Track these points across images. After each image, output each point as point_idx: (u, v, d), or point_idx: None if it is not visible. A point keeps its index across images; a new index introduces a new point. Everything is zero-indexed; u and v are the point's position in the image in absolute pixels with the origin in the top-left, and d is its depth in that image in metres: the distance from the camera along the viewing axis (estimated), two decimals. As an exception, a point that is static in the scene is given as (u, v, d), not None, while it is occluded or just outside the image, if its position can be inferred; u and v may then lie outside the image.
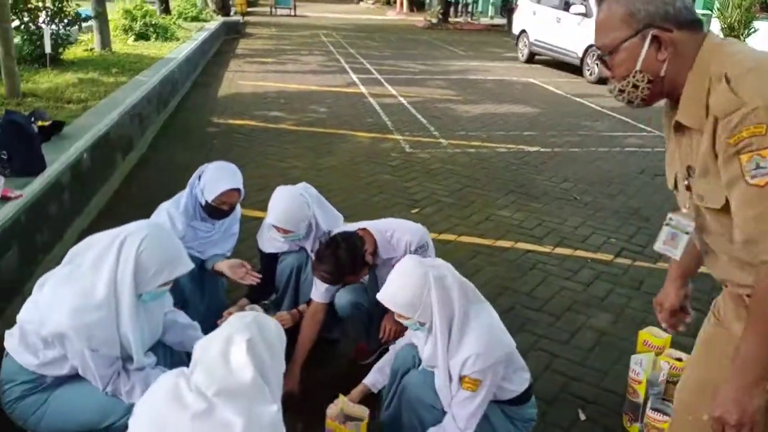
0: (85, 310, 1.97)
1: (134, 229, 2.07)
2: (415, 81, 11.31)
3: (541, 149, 7.08)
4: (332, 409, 2.31)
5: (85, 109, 5.39)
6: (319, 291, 2.87)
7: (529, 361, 3.17)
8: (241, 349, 1.51)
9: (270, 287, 3.17)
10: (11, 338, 2.15)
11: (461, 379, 2.08)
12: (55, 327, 1.98)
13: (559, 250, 4.52)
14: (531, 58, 14.30)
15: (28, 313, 2.10)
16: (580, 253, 4.49)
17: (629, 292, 3.96)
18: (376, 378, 2.54)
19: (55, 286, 2.06)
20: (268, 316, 1.77)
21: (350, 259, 2.61)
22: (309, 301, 3.05)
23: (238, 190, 2.92)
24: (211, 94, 9.39)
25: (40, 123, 4.32)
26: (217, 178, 2.87)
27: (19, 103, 5.33)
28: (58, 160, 3.94)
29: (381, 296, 2.17)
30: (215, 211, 2.92)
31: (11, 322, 2.19)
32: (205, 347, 1.57)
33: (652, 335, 3.01)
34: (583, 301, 3.83)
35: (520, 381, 2.27)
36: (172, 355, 2.38)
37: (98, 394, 2.09)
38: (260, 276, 2.97)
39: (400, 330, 2.67)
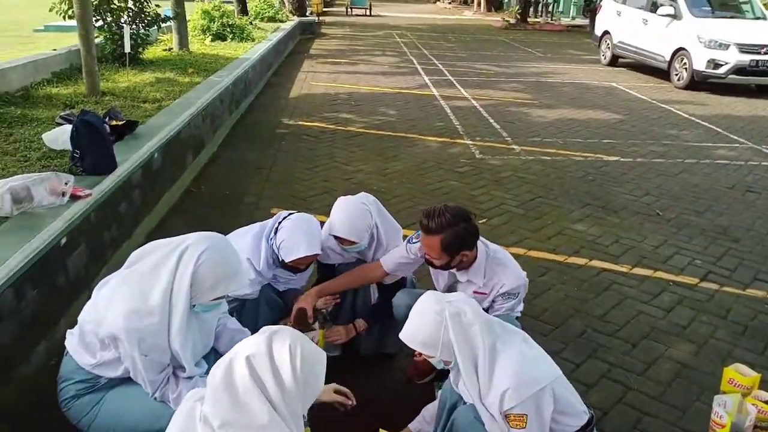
0: (139, 314, 1.97)
1: (197, 240, 2.06)
2: (488, 83, 11.04)
3: (622, 159, 6.70)
4: None
5: (159, 109, 5.50)
6: (392, 258, 2.78)
7: (598, 393, 2.98)
8: (245, 376, 1.48)
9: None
10: (72, 337, 2.19)
11: (506, 417, 1.92)
12: (109, 328, 1.99)
13: (637, 271, 4.21)
14: (614, 61, 13.69)
15: (87, 313, 2.13)
16: (660, 274, 4.17)
17: (714, 320, 3.63)
18: (422, 426, 2.43)
19: (113, 288, 2.08)
20: (303, 335, 1.66)
21: (460, 240, 2.47)
22: (366, 314, 2.95)
23: (316, 255, 2.77)
24: (283, 94, 9.48)
25: (114, 122, 4.43)
26: (295, 242, 2.66)
27: (98, 101, 5.50)
28: (129, 159, 4.00)
29: (402, 335, 2.09)
30: (292, 269, 2.81)
31: (76, 320, 2.20)
32: (213, 371, 1.54)
33: (739, 373, 2.71)
34: (663, 328, 3.54)
35: (575, 416, 2.08)
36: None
37: (148, 399, 2.09)
38: (338, 300, 2.93)
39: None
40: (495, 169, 6.25)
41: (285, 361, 1.54)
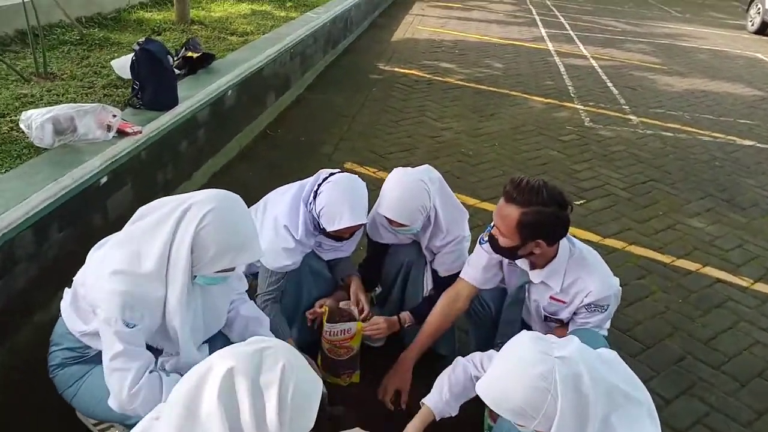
0: (127, 277, 1.65)
1: (203, 198, 1.71)
2: (613, 42, 9.92)
3: (758, 145, 5.71)
4: None
5: (245, 43, 5.19)
6: (475, 269, 2.31)
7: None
8: (213, 395, 1.15)
9: (374, 278, 2.69)
10: (65, 298, 1.93)
11: None
12: (94, 291, 1.70)
13: (760, 287, 3.48)
14: (763, 29, 11.96)
15: (81, 274, 1.85)
16: (791, 296, 3.42)
17: None
18: (446, 405, 2.01)
19: (108, 249, 1.78)
20: (296, 351, 1.30)
21: (544, 225, 1.99)
22: (415, 309, 2.52)
23: (362, 224, 2.37)
24: (385, 37, 8.94)
25: (189, 54, 4.15)
26: (336, 209, 2.24)
27: (184, 29, 5.26)
28: (195, 96, 3.72)
29: (485, 394, 1.53)
30: (335, 237, 2.40)
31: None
32: (177, 387, 1.21)
33: None
34: (785, 368, 2.86)
35: None
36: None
37: None
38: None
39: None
40: (605, 141, 5.50)
41: (273, 385, 1.18)
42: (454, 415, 2.01)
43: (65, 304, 1.91)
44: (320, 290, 2.56)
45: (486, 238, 2.25)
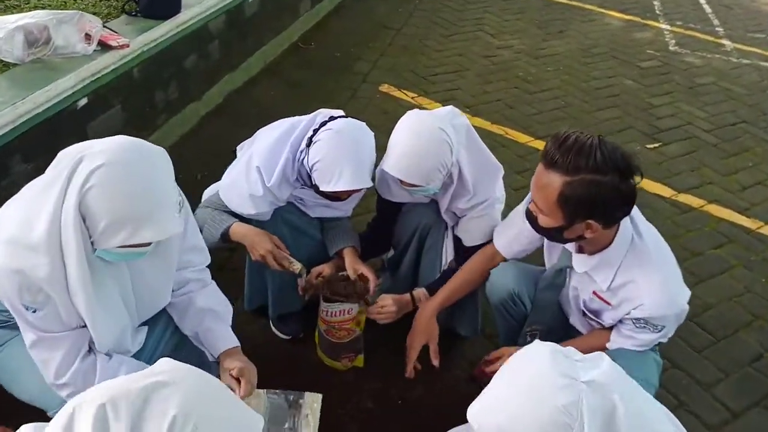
0: (18, 250, 1.28)
1: (98, 149, 1.26)
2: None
3: None
4: None
5: (278, -62, 4.55)
6: (507, 236, 1.90)
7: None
8: None
9: (385, 241, 2.23)
10: None
11: None
12: None
13: None
14: None
15: None
16: None
17: None
18: None
19: (8, 205, 1.37)
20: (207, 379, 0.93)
21: (597, 200, 1.45)
22: (432, 285, 2.06)
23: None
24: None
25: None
26: (334, 167, 1.79)
27: None
28: (203, 2, 3.19)
29: (476, 415, 1.10)
30: (327, 197, 1.94)
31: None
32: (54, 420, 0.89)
33: None
34: None
35: None
36: (175, 340, 1.64)
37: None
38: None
39: None
40: (691, 70, 4.69)
41: None
42: None
43: None
44: (301, 253, 2.04)
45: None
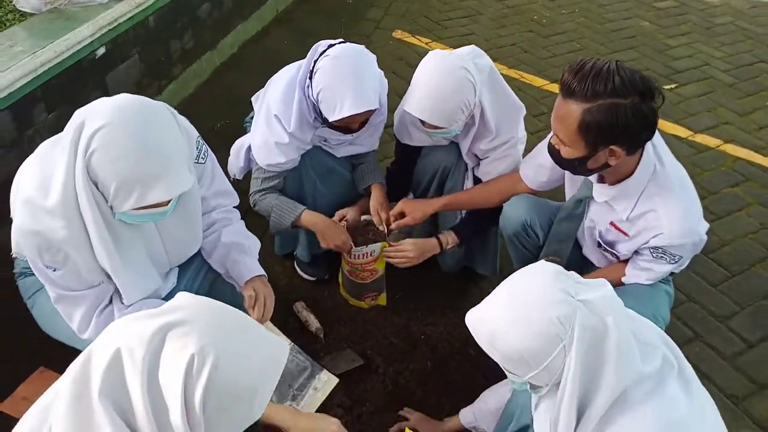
0: (36, 211, 1.28)
1: (96, 111, 1.23)
2: None
3: None
4: None
5: None
6: (531, 164, 1.92)
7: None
8: (94, 393, 0.83)
9: (405, 185, 2.25)
10: None
11: None
12: (12, 214, 1.34)
13: None
14: None
15: None
16: None
17: None
18: (474, 419, 1.67)
19: (31, 158, 1.37)
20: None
21: (618, 123, 1.42)
22: (460, 228, 2.10)
23: (371, 111, 1.84)
24: None
25: None
26: (336, 92, 1.76)
27: None
28: (215, -53, 3.17)
29: (473, 319, 1.18)
30: (340, 129, 1.91)
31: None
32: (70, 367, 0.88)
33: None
34: None
35: None
36: (210, 279, 1.69)
37: None
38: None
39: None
40: (709, 10, 4.59)
41: (174, 387, 0.84)
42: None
43: None
44: (333, 193, 2.12)
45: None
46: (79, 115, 1.28)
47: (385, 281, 2.15)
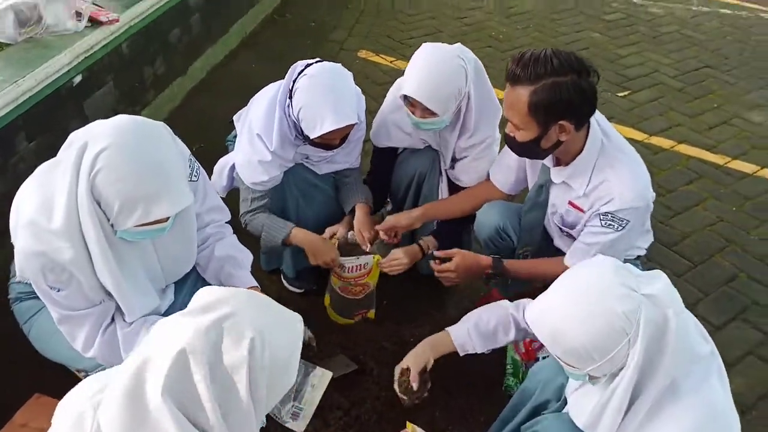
0: (40, 232, 1.32)
1: (98, 132, 1.30)
2: None
3: (834, 22, 5.00)
4: None
5: None
6: (499, 167, 2.05)
7: (739, 377, 2.12)
8: (156, 392, 0.91)
9: (383, 193, 2.35)
10: None
11: None
12: (14, 238, 1.38)
13: (830, 193, 3.07)
14: None
15: None
16: None
17: None
18: (468, 337, 1.69)
19: (29, 181, 1.41)
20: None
21: (562, 99, 1.56)
22: (438, 232, 2.20)
23: (351, 126, 1.91)
24: None
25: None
26: (316, 109, 1.83)
27: None
28: (182, -25, 3.23)
29: (533, 317, 1.26)
30: (322, 145, 1.98)
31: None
32: (121, 367, 0.97)
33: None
34: None
35: None
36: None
37: None
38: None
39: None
40: (655, 21, 4.86)
41: (240, 368, 0.94)
42: (478, 352, 1.72)
43: None
44: (316, 210, 2.19)
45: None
46: (78, 137, 1.34)
47: (375, 296, 2.21)
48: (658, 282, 1.21)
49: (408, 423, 1.57)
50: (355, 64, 3.92)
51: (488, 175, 2.12)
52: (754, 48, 4.50)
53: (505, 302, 1.72)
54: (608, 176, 1.68)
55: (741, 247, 2.70)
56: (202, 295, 1.02)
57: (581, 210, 1.77)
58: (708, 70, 4.16)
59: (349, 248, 2.14)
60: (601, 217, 1.71)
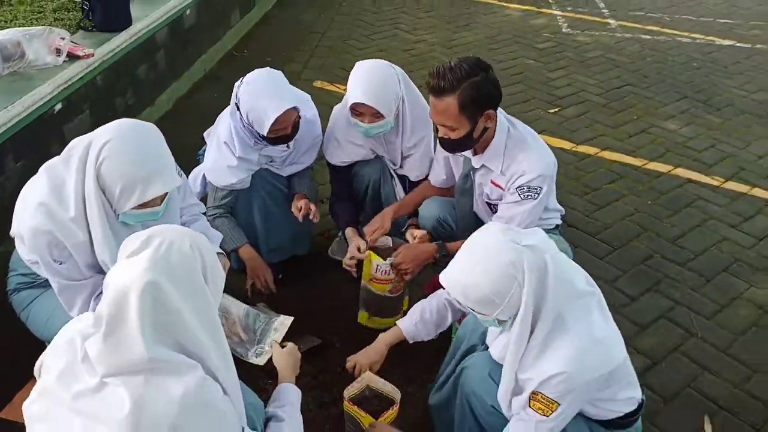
0: (52, 215, 1.61)
1: (101, 132, 1.61)
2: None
3: (738, 44, 5.59)
4: (354, 387, 1.81)
5: (203, -43, 4.93)
6: (433, 170, 2.41)
7: (652, 336, 2.49)
8: (134, 310, 1.11)
9: (352, 207, 2.62)
10: None
11: (533, 395, 1.47)
12: (19, 223, 1.68)
13: (731, 186, 3.50)
14: None
15: None
16: (758, 192, 3.45)
17: (819, 258, 2.96)
18: (415, 328, 1.98)
19: (39, 173, 1.71)
20: (195, 234, 1.27)
21: (482, 93, 1.93)
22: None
23: (291, 109, 2.18)
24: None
25: (142, -30, 3.94)
26: (259, 106, 2.13)
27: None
28: (150, 15, 3.55)
29: (446, 280, 1.54)
30: (278, 139, 2.28)
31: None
32: (103, 296, 1.16)
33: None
34: (748, 261, 2.92)
35: (624, 402, 1.61)
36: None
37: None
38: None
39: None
40: (582, 47, 5.37)
41: (190, 266, 1.19)
42: (426, 339, 2.01)
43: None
44: (282, 208, 2.49)
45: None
46: (82, 138, 1.64)
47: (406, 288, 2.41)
48: (537, 235, 1.52)
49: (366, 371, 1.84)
50: (312, 93, 4.21)
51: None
52: (671, 67, 5.02)
53: (441, 291, 1.99)
54: (517, 156, 2.05)
55: (656, 233, 3.09)
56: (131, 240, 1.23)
57: (501, 187, 2.12)
58: (629, 88, 4.64)
59: (381, 253, 2.32)
60: (518, 189, 2.05)
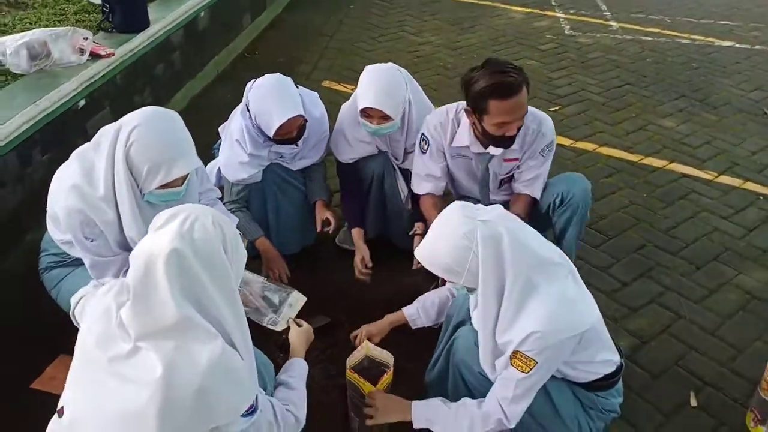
0: (85, 196, 1.78)
1: (130, 118, 1.78)
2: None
3: (737, 45, 5.71)
4: (355, 357, 1.95)
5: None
6: (429, 180, 2.47)
7: (642, 318, 2.62)
8: (161, 274, 1.24)
9: (361, 205, 2.75)
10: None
11: (513, 354, 1.61)
12: (53, 203, 1.85)
13: (724, 179, 3.62)
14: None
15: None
16: (750, 186, 3.57)
17: (807, 247, 3.08)
18: (417, 314, 2.14)
19: (70, 159, 1.87)
20: (220, 214, 1.40)
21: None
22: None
23: (296, 116, 2.32)
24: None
25: (158, -25, 4.12)
26: (266, 111, 2.30)
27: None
28: (165, 18, 3.73)
29: (418, 254, 1.73)
30: (284, 141, 2.43)
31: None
32: (132, 266, 1.30)
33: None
34: (738, 250, 3.04)
35: (602, 364, 1.75)
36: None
37: None
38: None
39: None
40: (583, 48, 5.51)
41: (212, 239, 1.32)
42: (429, 325, 2.16)
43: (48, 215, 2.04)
44: (291, 200, 2.65)
45: (426, 148, 2.38)
46: (111, 126, 1.81)
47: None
48: (494, 211, 1.67)
49: (366, 341, 1.98)
50: (321, 92, 4.39)
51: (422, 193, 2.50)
52: (670, 67, 5.15)
53: (446, 285, 2.16)
54: (531, 125, 2.30)
55: (649, 223, 3.22)
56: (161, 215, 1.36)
57: (515, 159, 2.35)
58: (628, 87, 4.77)
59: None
60: (541, 151, 2.34)
